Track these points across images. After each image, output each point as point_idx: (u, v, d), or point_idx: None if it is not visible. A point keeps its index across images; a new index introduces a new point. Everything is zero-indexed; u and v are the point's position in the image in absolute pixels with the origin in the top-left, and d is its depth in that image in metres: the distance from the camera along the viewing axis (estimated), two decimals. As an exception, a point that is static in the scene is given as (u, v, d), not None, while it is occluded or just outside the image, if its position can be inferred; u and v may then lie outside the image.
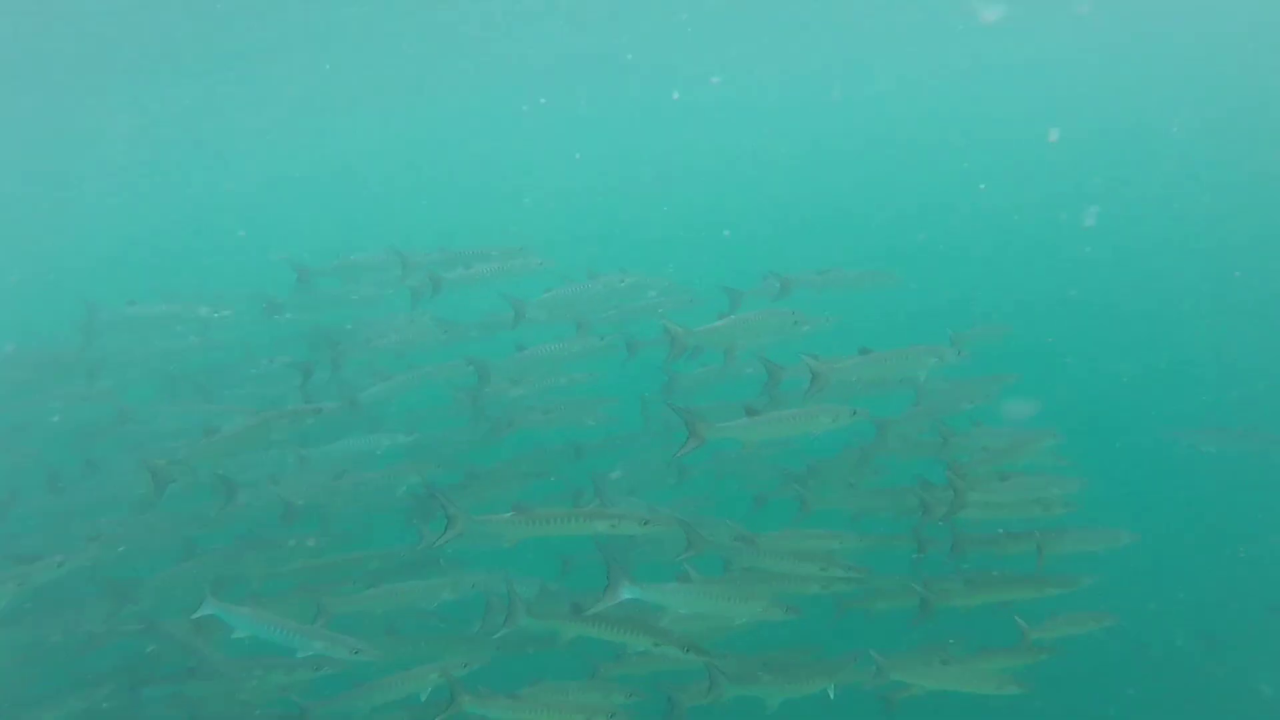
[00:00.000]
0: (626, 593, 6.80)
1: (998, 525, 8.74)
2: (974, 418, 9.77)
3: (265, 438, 8.83)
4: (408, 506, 10.00)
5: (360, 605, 8.71)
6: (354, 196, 37.02)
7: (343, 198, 36.86)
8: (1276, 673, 11.36)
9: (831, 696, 7.85)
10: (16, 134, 30.67)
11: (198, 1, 23.44)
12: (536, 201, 34.12)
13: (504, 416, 10.60)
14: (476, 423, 10.81)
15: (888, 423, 9.06)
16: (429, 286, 10.69)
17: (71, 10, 22.34)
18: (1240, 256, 22.55)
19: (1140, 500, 13.14)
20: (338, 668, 7.84)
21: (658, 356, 10.35)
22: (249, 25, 25.34)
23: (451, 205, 35.56)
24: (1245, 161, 27.47)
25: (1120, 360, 18.71)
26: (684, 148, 38.72)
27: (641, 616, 7.34)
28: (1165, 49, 34.65)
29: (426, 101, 36.31)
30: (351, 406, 10.54)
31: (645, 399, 11.34)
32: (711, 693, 7.29)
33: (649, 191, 34.97)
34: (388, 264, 11.82)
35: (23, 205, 35.94)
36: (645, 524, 6.79)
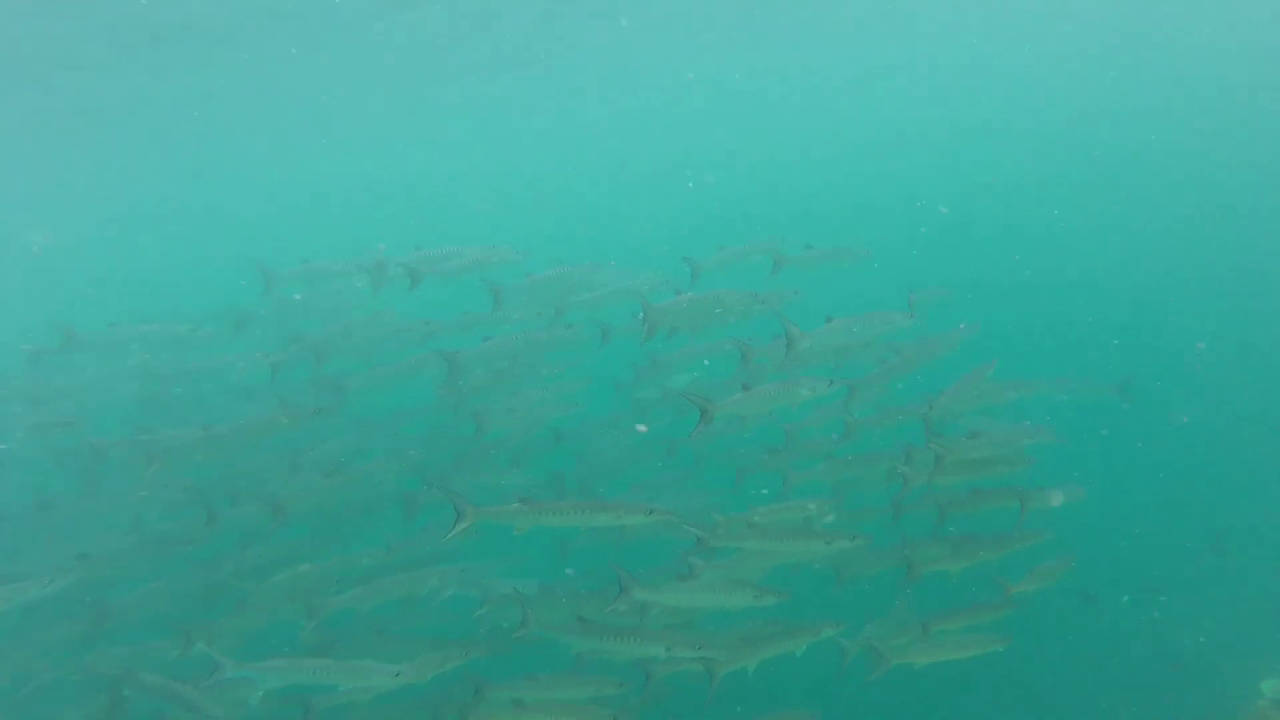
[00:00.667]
0: (637, 595, 7.00)
1: (967, 485, 8.82)
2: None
3: (266, 434, 8.92)
4: (400, 503, 9.92)
5: (349, 603, 8.59)
6: (342, 208, 36.54)
7: (330, 210, 36.38)
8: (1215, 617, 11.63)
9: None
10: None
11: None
12: (522, 203, 33.87)
13: (476, 419, 10.46)
14: (457, 416, 10.66)
15: (856, 383, 9.19)
16: (407, 281, 10.62)
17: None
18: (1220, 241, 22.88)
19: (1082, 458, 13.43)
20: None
21: (621, 343, 10.38)
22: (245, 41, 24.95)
23: (434, 211, 35.23)
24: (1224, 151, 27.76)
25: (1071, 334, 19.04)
26: (660, 145, 38.55)
27: (643, 619, 7.39)
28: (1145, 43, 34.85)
29: (412, 114, 35.99)
30: (338, 393, 10.44)
31: (620, 383, 11.32)
32: (712, 685, 7.28)
33: (629, 192, 34.76)
34: (351, 269, 11.74)
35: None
36: (649, 514, 6.82)
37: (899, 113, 35.40)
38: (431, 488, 8.26)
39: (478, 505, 6.65)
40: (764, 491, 9.49)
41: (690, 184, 33.28)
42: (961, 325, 10.33)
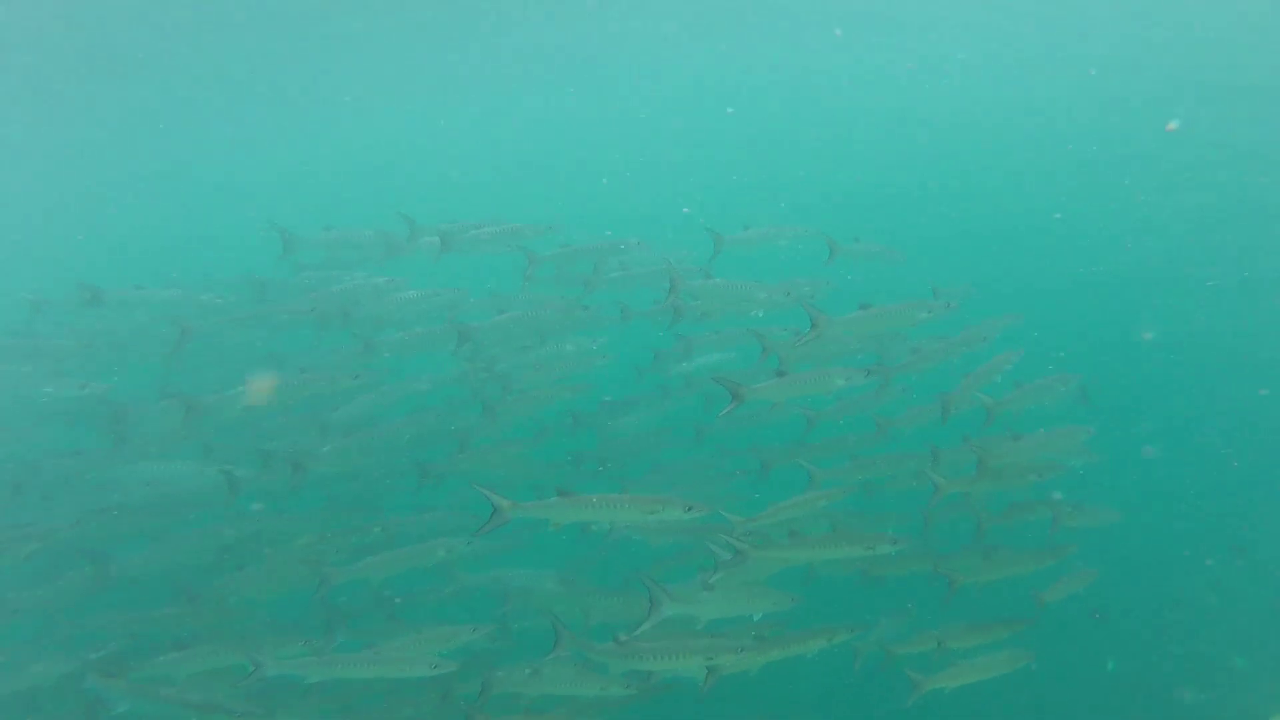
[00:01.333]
0: (668, 610, 6.82)
1: (1003, 495, 8.72)
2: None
3: (302, 395, 8.98)
4: (415, 472, 9.79)
5: (359, 573, 8.37)
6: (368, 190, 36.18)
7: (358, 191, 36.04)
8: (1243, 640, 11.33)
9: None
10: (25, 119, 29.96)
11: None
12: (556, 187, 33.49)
13: (484, 402, 10.26)
14: (474, 391, 10.48)
15: (888, 371, 9.00)
16: (424, 256, 10.38)
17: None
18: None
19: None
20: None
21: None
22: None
23: (458, 190, 34.84)
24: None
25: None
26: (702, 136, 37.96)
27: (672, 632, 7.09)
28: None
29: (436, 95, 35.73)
30: (368, 355, 10.27)
31: (641, 367, 11.16)
32: (707, 682, 7.01)
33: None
34: (371, 239, 11.52)
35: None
36: (688, 510, 6.60)
37: (920, 108, 34.83)
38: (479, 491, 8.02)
39: (514, 501, 6.42)
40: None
41: (721, 172, 32.76)
42: (1002, 317, 10.10)
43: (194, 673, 7.70)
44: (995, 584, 8.51)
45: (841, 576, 8.87)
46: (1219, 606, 12.03)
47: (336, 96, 34.60)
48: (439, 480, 9.70)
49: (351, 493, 9.87)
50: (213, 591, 8.43)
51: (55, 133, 32.91)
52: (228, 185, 36.15)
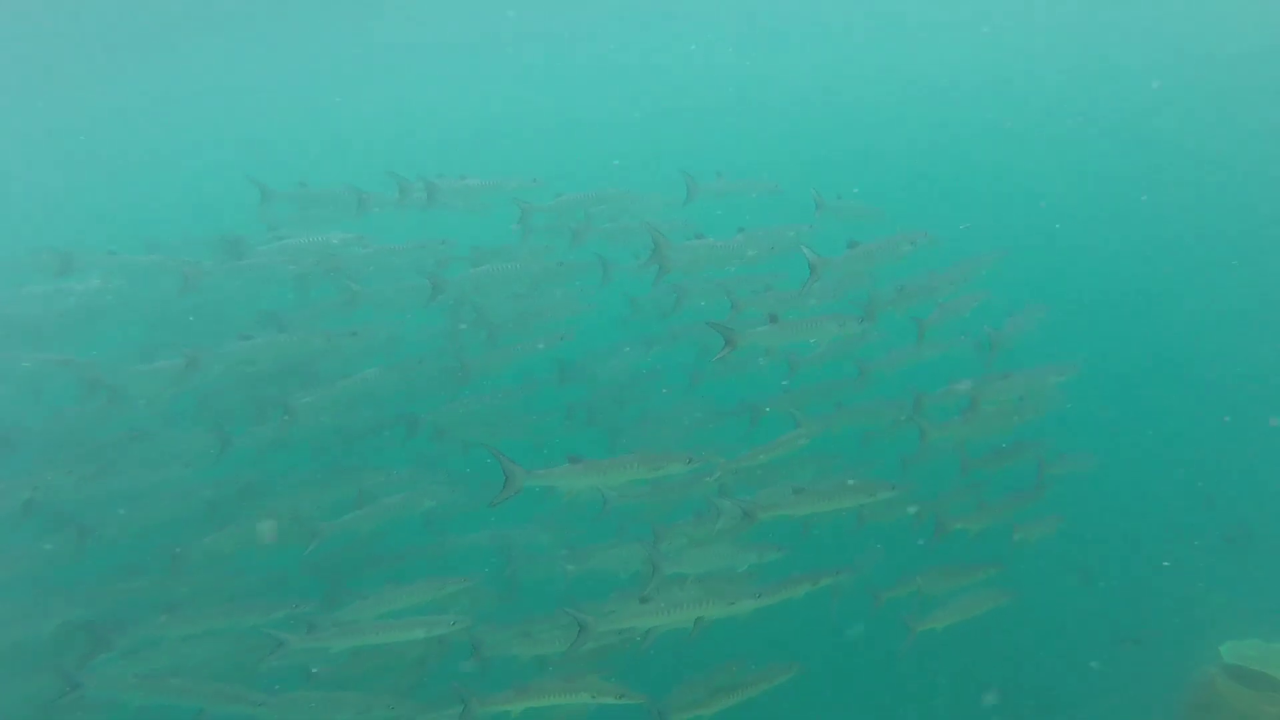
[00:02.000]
0: (667, 570, 7.04)
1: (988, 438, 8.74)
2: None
3: (298, 352, 8.90)
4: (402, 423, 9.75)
5: (348, 527, 8.33)
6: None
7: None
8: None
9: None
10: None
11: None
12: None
13: (461, 361, 10.09)
14: (458, 345, 10.34)
15: (872, 308, 8.85)
16: (424, 197, 10.16)
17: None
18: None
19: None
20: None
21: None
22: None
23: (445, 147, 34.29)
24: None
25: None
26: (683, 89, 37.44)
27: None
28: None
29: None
30: (351, 301, 10.03)
31: (624, 318, 11.07)
32: (694, 629, 7.03)
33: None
34: (348, 197, 11.09)
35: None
36: (689, 462, 6.74)
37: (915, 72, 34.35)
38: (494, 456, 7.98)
39: (528, 469, 6.33)
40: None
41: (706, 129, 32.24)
42: (987, 254, 9.97)
43: (184, 635, 7.64)
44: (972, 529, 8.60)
45: (827, 524, 8.86)
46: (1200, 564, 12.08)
47: (320, 61, 33.84)
48: (432, 433, 9.64)
49: (338, 447, 9.71)
50: (199, 550, 8.28)
51: (32, 95, 32.06)
52: (206, 149, 35.49)
